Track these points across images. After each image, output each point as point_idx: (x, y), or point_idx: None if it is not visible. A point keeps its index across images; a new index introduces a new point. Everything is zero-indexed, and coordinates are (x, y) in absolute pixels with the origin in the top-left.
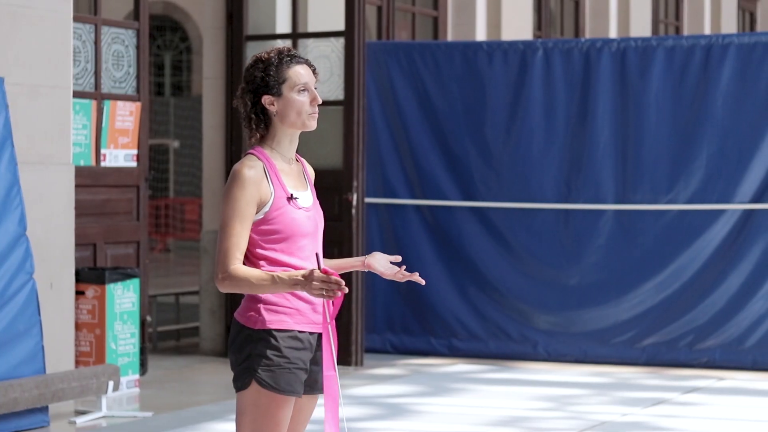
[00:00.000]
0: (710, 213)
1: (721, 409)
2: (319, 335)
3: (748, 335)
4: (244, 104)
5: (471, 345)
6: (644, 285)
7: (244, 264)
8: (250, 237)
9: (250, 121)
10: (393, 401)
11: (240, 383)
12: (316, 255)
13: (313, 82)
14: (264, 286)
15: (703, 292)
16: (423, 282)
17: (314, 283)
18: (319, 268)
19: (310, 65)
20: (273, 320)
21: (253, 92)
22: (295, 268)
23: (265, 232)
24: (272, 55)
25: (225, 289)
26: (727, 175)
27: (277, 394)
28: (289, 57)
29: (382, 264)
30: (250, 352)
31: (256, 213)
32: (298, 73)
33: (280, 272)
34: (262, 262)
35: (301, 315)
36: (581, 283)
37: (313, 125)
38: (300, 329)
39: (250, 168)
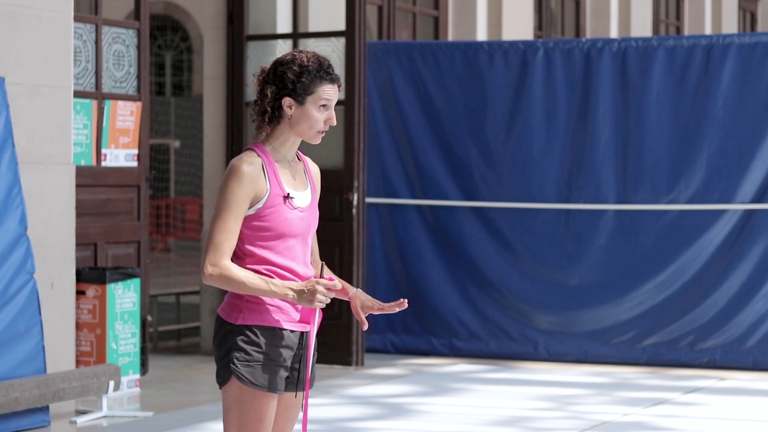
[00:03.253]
0: (711, 213)
1: (722, 410)
2: (301, 334)
3: (749, 335)
4: (262, 94)
5: (472, 345)
6: (645, 285)
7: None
8: (240, 232)
9: (264, 114)
10: (393, 401)
11: (221, 378)
12: (322, 264)
13: (334, 102)
14: (255, 289)
15: (704, 292)
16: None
17: (318, 293)
18: (321, 276)
19: (339, 84)
20: (254, 316)
21: (279, 88)
22: (281, 267)
23: (256, 228)
24: (311, 63)
25: (211, 282)
26: (728, 175)
27: (256, 389)
28: (325, 72)
29: (362, 303)
30: (230, 347)
31: (249, 208)
32: (326, 90)
33: (275, 279)
34: (248, 258)
35: (282, 313)
36: (582, 283)
37: (317, 142)
38: (281, 327)
39: (249, 164)
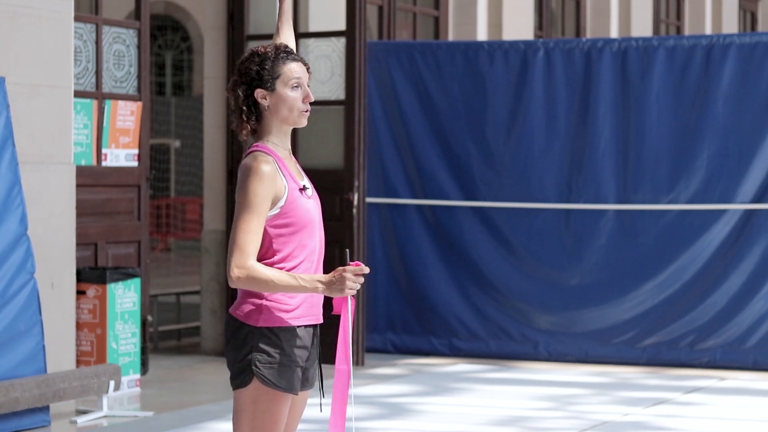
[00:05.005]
0: (711, 213)
1: (722, 409)
2: (314, 328)
3: (749, 335)
4: (235, 96)
5: (472, 345)
6: (645, 285)
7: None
8: (264, 232)
9: (241, 113)
10: (394, 401)
11: (239, 381)
12: (346, 251)
13: (306, 80)
14: (285, 286)
15: (704, 292)
16: None
17: (348, 281)
18: (347, 263)
19: (304, 63)
20: (273, 318)
21: (247, 84)
22: (307, 259)
23: (281, 225)
24: (269, 50)
25: (239, 285)
26: (728, 175)
27: (279, 391)
28: (285, 53)
29: None
30: (252, 350)
31: (271, 208)
32: (293, 69)
33: (302, 274)
34: (276, 256)
35: (301, 310)
36: (582, 283)
37: (303, 122)
38: (299, 324)
39: (267, 163)
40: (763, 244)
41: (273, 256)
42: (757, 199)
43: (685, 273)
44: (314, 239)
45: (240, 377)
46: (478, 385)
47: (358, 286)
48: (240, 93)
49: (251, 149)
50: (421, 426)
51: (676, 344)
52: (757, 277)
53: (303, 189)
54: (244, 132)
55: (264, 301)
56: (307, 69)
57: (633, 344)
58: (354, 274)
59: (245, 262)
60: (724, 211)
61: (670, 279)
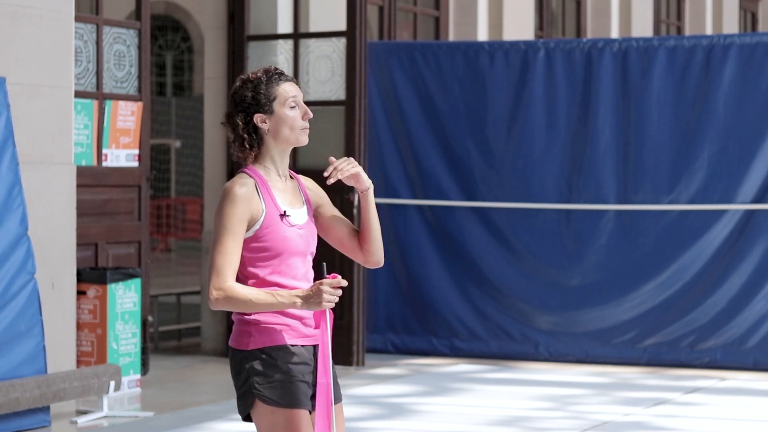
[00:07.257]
0: (711, 213)
1: (723, 410)
2: (314, 348)
3: (750, 335)
4: (233, 126)
5: (472, 345)
6: (645, 285)
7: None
8: (241, 255)
9: (243, 141)
10: (394, 401)
11: (243, 405)
12: (322, 264)
13: (301, 97)
14: (263, 304)
15: (705, 292)
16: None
17: (324, 294)
18: (323, 276)
19: (296, 83)
20: (264, 339)
21: (245, 112)
22: (284, 287)
23: (256, 249)
24: (259, 74)
25: (219, 307)
26: (729, 176)
27: (283, 408)
28: (277, 75)
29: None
30: (249, 374)
31: (247, 230)
32: (287, 89)
33: (280, 290)
34: (251, 281)
35: (292, 330)
36: (582, 283)
37: (305, 140)
38: (292, 343)
39: (241, 185)
40: (764, 245)
41: (246, 280)
42: (757, 200)
43: (686, 273)
44: (292, 268)
45: (243, 401)
46: (478, 386)
47: (336, 299)
48: (239, 121)
49: (238, 171)
50: (421, 426)
51: (677, 344)
52: (757, 277)
53: (284, 215)
54: (249, 160)
55: (252, 325)
56: (297, 85)
57: (633, 344)
58: (331, 287)
59: (223, 284)
60: (724, 212)
61: (671, 279)
